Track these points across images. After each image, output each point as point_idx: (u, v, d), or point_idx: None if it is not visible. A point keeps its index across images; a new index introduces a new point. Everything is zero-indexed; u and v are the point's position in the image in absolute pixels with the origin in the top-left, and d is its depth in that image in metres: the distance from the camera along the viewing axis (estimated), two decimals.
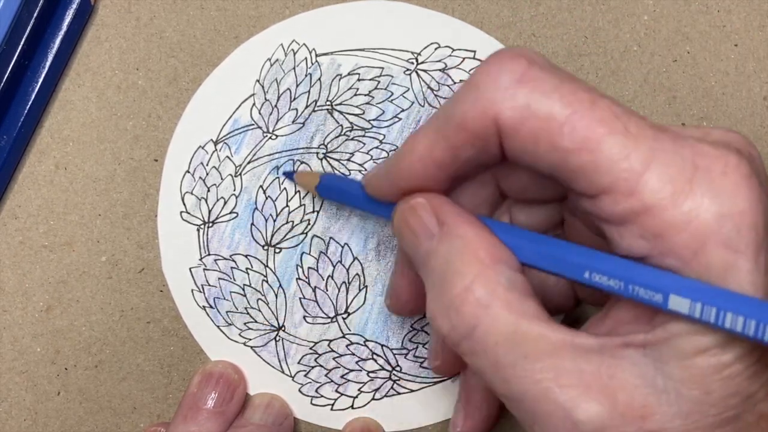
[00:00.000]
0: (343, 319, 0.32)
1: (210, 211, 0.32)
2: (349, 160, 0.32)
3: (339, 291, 0.32)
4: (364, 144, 0.32)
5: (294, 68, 0.32)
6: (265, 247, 0.32)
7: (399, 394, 0.32)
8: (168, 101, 0.32)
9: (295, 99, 0.32)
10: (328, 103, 0.32)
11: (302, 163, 0.32)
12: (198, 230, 0.32)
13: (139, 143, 0.32)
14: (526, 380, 0.21)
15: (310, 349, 0.32)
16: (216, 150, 0.32)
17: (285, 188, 0.32)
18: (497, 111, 0.21)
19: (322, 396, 0.32)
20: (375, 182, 0.26)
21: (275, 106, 0.32)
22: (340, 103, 0.32)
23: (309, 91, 0.32)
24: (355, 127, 0.32)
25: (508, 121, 0.21)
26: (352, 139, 0.32)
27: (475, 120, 0.22)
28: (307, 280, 0.32)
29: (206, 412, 0.30)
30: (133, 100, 0.32)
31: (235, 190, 0.32)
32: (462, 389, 0.28)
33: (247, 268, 0.32)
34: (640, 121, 0.21)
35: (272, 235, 0.32)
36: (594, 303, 0.28)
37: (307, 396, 0.32)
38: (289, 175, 0.31)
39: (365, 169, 0.32)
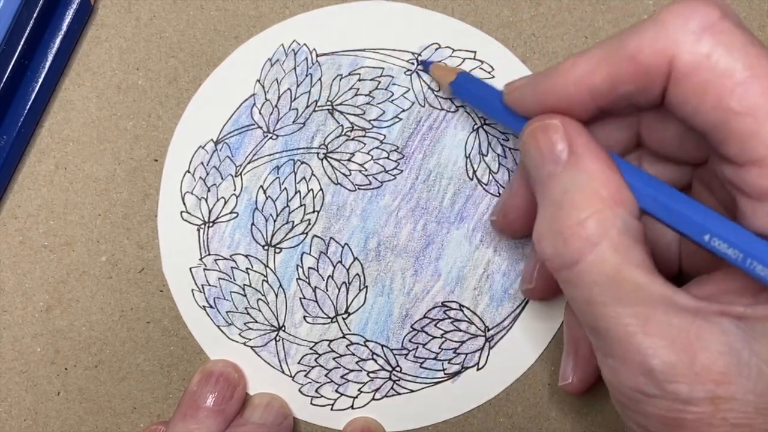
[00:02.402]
0: (343, 319, 0.32)
1: (210, 211, 0.32)
2: (349, 160, 0.32)
3: (339, 291, 0.32)
4: (365, 144, 0.32)
5: (294, 68, 0.32)
6: (266, 247, 0.32)
7: (399, 394, 0.32)
8: (168, 101, 0.32)
9: (295, 99, 0.32)
10: (329, 103, 0.32)
11: (303, 163, 0.32)
12: (198, 230, 0.32)
13: (139, 143, 0.32)
14: (614, 320, 0.21)
15: (310, 349, 0.32)
16: (216, 150, 0.32)
17: (285, 188, 0.32)
18: (676, 52, 0.21)
19: (322, 396, 0.32)
20: (518, 94, 0.25)
21: (276, 106, 0.32)
22: (341, 104, 0.32)
23: (309, 92, 0.32)
24: (355, 127, 0.32)
25: (684, 66, 0.21)
26: (352, 139, 0.32)
27: (650, 55, 0.21)
28: (307, 280, 0.32)
29: (206, 411, 0.30)
30: (133, 100, 0.32)
31: (235, 190, 0.32)
32: (567, 339, 0.28)
33: (247, 268, 0.32)
34: None
35: (272, 235, 0.32)
36: (694, 275, 0.27)
37: (307, 396, 0.32)
38: (425, 64, 0.31)
39: (365, 169, 0.32)
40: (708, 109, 0.21)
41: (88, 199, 0.32)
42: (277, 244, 0.32)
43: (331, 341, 0.32)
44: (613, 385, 0.23)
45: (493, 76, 0.32)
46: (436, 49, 0.32)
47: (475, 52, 0.32)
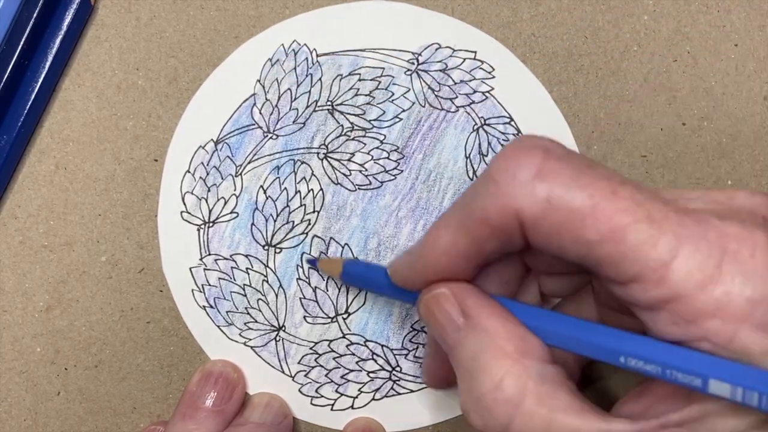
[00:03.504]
0: (344, 319, 0.32)
1: (210, 211, 0.32)
2: (349, 160, 0.32)
3: (339, 291, 0.32)
4: (365, 144, 0.32)
5: (294, 68, 0.32)
6: (266, 247, 0.32)
7: (399, 394, 0.32)
8: (168, 101, 0.32)
9: (295, 99, 0.32)
10: (329, 103, 0.32)
11: (303, 163, 0.32)
12: (198, 230, 0.32)
13: (139, 143, 0.32)
14: None
15: (311, 349, 0.32)
16: (216, 150, 0.32)
17: (285, 188, 0.32)
18: (518, 206, 0.21)
19: (322, 396, 0.32)
20: (400, 272, 0.26)
21: (276, 106, 0.32)
22: (341, 104, 0.32)
23: (309, 92, 0.32)
24: (355, 127, 0.32)
25: (529, 217, 0.21)
26: (352, 139, 0.32)
27: (496, 215, 0.21)
28: (307, 280, 0.32)
29: (205, 411, 0.30)
30: (133, 100, 0.32)
31: (235, 189, 0.32)
32: (429, 343, 0.29)
33: (247, 268, 0.32)
34: (663, 207, 0.20)
35: (273, 235, 0.32)
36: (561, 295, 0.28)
37: (307, 396, 0.32)
38: (312, 263, 0.31)
39: (365, 169, 0.32)
40: (569, 247, 0.21)
41: (88, 199, 0.32)
42: (278, 244, 0.32)
43: (331, 341, 0.32)
44: None
45: (494, 76, 0.32)
46: (437, 49, 0.32)
47: (475, 52, 0.32)
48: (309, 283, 0.32)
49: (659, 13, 0.32)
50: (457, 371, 0.24)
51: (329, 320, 0.32)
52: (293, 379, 0.32)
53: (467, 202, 0.22)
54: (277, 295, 0.32)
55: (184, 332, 0.32)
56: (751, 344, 0.19)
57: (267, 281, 0.32)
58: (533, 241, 0.22)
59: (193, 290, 0.32)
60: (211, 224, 0.32)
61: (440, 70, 0.32)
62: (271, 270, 0.32)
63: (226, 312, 0.32)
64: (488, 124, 0.31)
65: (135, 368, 0.32)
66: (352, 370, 0.32)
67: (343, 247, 0.32)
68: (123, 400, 0.32)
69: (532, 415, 0.21)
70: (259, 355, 0.32)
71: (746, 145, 0.32)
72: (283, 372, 0.32)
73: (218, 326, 0.32)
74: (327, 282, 0.32)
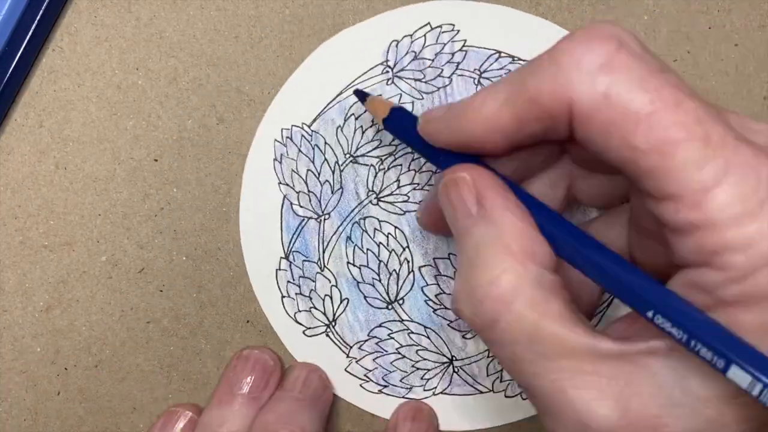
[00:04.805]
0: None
1: (325, 314, 0.32)
2: (398, 187, 0.32)
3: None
4: (401, 164, 0.32)
5: (299, 150, 0.32)
6: (390, 306, 0.32)
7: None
8: (168, 101, 0.32)
9: (319, 174, 0.32)
10: (348, 155, 0.31)
11: (365, 218, 0.32)
12: (327, 334, 0.32)
13: (139, 143, 0.32)
14: (541, 377, 0.21)
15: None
16: (291, 262, 0.32)
17: (368, 249, 0.32)
18: (573, 95, 0.20)
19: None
20: (433, 125, 0.25)
21: (309, 192, 0.32)
22: (357, 149, 0.32)
23: (325, 159, 0.32)
24: (383, 158, 0.31)
25: (582, 108, 0.20)
26: (389, 169, 0.32)
27: (548, 98, 0.20)
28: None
29: (241, 398, 0.30)
30: (133, 100, 0.32)
31: (330, 282, 0.32)
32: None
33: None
34: (724, 130, 0.19)
35: (388, 294, 0.32)
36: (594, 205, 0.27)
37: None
38: (361, 96, 0.30)
39: (417, 184, 0.31)
40: (615, 149, 0.20)
41: (88, 199, 0.32)
42: (398, 299, 0.32)
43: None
44: None
45: (458, 30, 0.31)
46: (397, 45, 0.31)
47: (428, 23, 0.31)
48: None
49: (659, 13, 0.32)
50: (459, 257, 0.23)
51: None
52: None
53: (523, 78, 0.21)
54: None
55: (183, 332, 0.32)
56: (760, 288, 0.19)
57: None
58: (580, 134, 0.21)
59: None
60: (334, 323, 0.32)
61: (413, 60, 0.31)
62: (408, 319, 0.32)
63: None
64: (484, 71, 0.31)
65: (135, 368, 0.32)
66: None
67: (449, 258, 0.32)
68: (123, 400, 0.32)
69: (521, 316, 0.21)
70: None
71: None
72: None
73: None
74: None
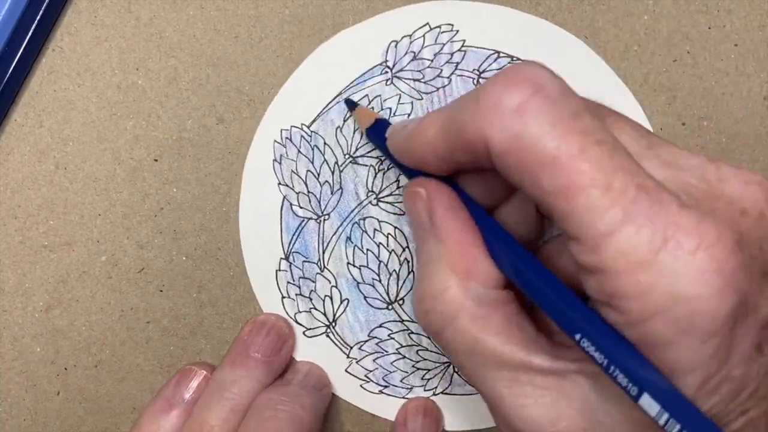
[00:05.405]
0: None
1: (325, 315, 0.32)
2: (398, 187, 0.32)
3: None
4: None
5: (299, 150, 0.32)
6: (390, 306, 0.32)
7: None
8: (168, 101, 0.32)
9: (319, 175, 0.32)
10: (347, 156, 0.32)
11: (365, 218, 0.32)
12: (327, 334, 0.32)
13: (139, 143, 0.32)
14: (484, 384, 0.23)
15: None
16: (291, 263, 0.32)
17: (368, 249, 0.32)
18: (489, 134, 0.21)
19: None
20: (390, 143, 0.26)
21: (308, 192, 0.32)
22: (356, 150, 0.32)
23: (325, 159, 0.32)
24: (383, 159, 0.31)
25: (497, 148, 0.21)
26: (388, 169, 0.32)
27: (471, 133, 0.21)
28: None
29: (254, 360, 0.30)
30: (133, 100, 0.32)
31: (330, 283, 0.32)
32: None
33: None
34: (627, 179, 0.20)
35: (388, 295, 0.32)
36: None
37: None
38: (351, 106, 0.31)
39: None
40: (528, 187, 0.21)
41: (88, 199, 0.32)
42: (398, 299, 0.32)
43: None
44: None
45: (457, 30, 0.31)
46: (396, 45, 0.31)
47: (427, 23, 0.32)
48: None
49: (659, 13, 0.32)
50: (417, 260, 0.25)
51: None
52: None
53: (457, 109, 0.22)
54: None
55: (183, 332, 0.32)
56: (659, 334, 0.19)
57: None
58: (498, 169, 0.22)
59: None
60: (334, 324, 0.32)
61: (413, 60, 0.31)
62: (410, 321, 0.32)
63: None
64: (483, 71, 0.31)
65: (135, 368, 0.32)
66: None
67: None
68: (123, 400, 0.32)
69: (463, 331, 0.23)
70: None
71: (746, 145, 0.32)
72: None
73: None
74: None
